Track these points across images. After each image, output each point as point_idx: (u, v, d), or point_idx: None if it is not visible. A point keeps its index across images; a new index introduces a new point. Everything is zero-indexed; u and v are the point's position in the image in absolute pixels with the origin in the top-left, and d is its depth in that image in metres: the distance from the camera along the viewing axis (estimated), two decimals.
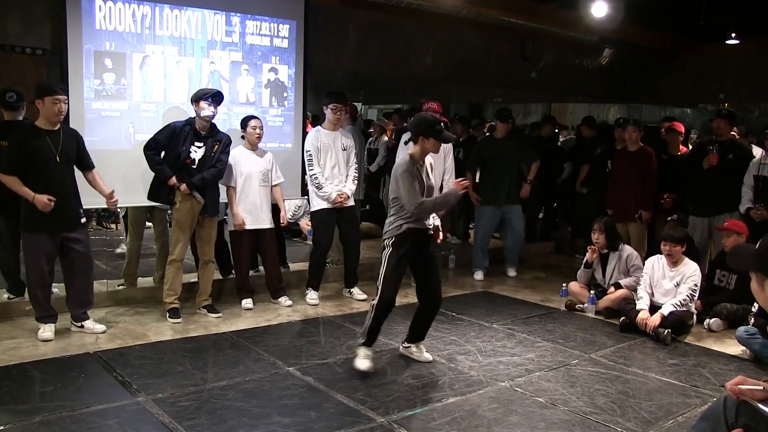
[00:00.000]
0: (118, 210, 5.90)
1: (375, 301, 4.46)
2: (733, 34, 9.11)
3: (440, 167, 6.56)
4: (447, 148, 6.68)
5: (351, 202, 6.19)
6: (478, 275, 7.45)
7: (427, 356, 4.74)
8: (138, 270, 6.17)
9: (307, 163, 6.09)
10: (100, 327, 5.15)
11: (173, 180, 5.34)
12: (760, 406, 2.27)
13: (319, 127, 6.21)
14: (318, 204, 6.11)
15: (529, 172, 7.63)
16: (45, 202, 4.69)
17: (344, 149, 6.15)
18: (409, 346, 4.78)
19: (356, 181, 6.30)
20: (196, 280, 5.87)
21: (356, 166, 6.32)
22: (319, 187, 6.01)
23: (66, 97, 4.85)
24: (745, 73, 10.08)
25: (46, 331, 4.93)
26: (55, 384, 4.08)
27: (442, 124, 4.45)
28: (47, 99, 4.71)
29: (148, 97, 5.82)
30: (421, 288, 4.67)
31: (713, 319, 5.69)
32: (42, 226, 4.80)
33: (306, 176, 6.27)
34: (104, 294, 5.80)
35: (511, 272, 7.68)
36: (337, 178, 6.09)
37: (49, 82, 5.02)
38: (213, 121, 5.50)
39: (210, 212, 5.57)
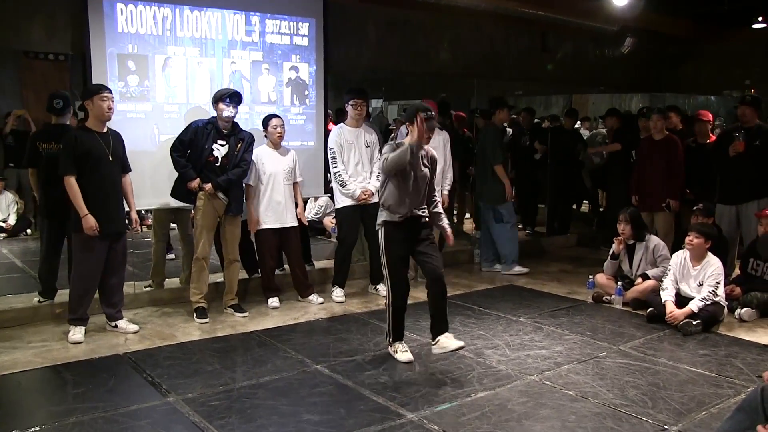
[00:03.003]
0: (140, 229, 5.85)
1: (389, 300, 4.58)
2: (760, 18, 8.94)
3: (441, 159, 6.59)
4: (444, 140, 6.66)
5: (375, 199, 6.18)
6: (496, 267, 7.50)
7: (457, 343, 4.41)
8: (165, 271, 6.22)
9: (330, 160, 6.09)
10: (133, 327, 5.20)
11: (195, 183, 5.39)
12: None
13: (342, 124, 6.21)
14: (342, 201, 6.11)
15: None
16: (91, 227, 4.80)
17: (368, 146, 6.14)
18: (437, 341, 4.50)
19: (381, 178, 6.28)
20: (221, 280, 5.90)
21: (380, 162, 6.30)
22: (343, 185, 6.01)
23: (113, 95, 4.97)
24: None
25: (77, 333, 4.98)
26: (87, 385, 4.13)
27: (429, 112, 4.40)
28: (96, 98, 4.85)
29: (171, 98, 5.87)
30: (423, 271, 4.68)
31: (744, 309, 5.62)
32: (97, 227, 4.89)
33: (329, 174, 6.28)
34: (132, 296, 5.85)
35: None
36: (361, 175, 6.09)
37: (95, 84, 5.14)
38: (235, 120, 5.53)
39: (234, 211, 5.60)
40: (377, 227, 4.59)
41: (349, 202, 6.07)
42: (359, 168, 6.09)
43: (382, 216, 4.56)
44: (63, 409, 3.78)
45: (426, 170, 4.57)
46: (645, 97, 13.19)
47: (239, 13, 6.11)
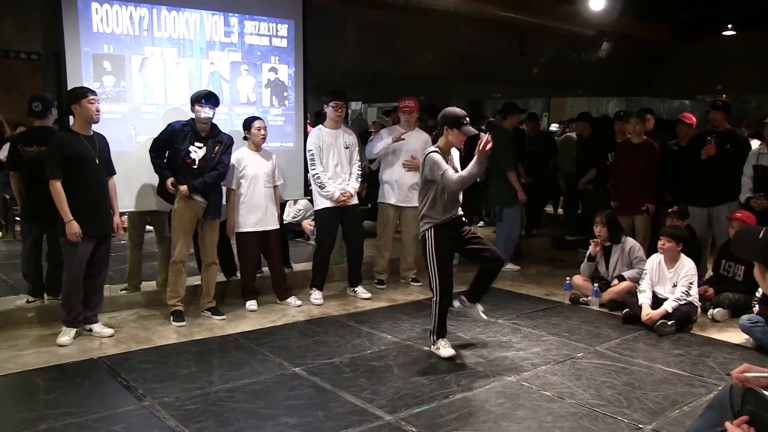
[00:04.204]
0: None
1: (436, 298, 4.67)
2: (730, 26, 9.11)
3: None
4: (425, 141, 6.66)
5: (354, 201, 6.18)
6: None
7: (483, 316, 5.00)
8: (141, 274, 6.16)
9: (309, 162, 6.08)
10: (108, 330, 5.14)
11: (169, 181, 5.35)
12: (765, 393, 2.26)
13: (320, 125, 6.20)
14: (321, 203, 6.10)
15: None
16: (74, 233, 4.78)
17: (346, 147, 6.13)
18: (473, 306, 4.92)
19: (359, 179, 6.29)
20: (199, 282, 5.86)
21: (359, 164, 6.30)
22: (321, 187, 6.00)
23: (98, 97, 4.97)
24: (742, 64, 10.08)
25: (65, 335, 4.93)
26: (60, 391, 4.07)
27: (467, 118, 4.66)
28: (84, 101, 4.83)
29: (148, 99, 5.81)
30: (477, 260, 4.85)
31: (716, 309, 5.71)
32: (85, 230, 4.84)
33: (309, 175, 6.26)
34: (107, 299, 5.75)
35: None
36: (340, 177, 6.08)
37: (81, 87, 5.09)
38: (214, 121, 5.50)
39: (212, 214, 5.55)
40: (424, 228, 4.69)
41: (328, 204, 6.05)
42: (338, 169, 6.08)
43: (427, 223, 4.68)
44: (34, 416, 3.71)
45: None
46: (621, 101, 13.34)
47: (218, 13, 6.08)
